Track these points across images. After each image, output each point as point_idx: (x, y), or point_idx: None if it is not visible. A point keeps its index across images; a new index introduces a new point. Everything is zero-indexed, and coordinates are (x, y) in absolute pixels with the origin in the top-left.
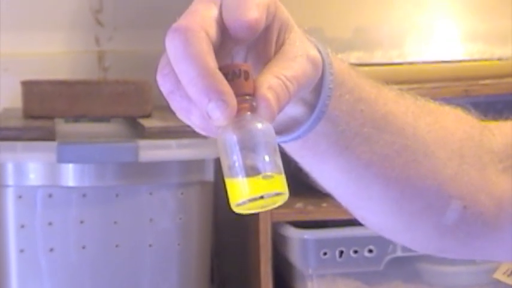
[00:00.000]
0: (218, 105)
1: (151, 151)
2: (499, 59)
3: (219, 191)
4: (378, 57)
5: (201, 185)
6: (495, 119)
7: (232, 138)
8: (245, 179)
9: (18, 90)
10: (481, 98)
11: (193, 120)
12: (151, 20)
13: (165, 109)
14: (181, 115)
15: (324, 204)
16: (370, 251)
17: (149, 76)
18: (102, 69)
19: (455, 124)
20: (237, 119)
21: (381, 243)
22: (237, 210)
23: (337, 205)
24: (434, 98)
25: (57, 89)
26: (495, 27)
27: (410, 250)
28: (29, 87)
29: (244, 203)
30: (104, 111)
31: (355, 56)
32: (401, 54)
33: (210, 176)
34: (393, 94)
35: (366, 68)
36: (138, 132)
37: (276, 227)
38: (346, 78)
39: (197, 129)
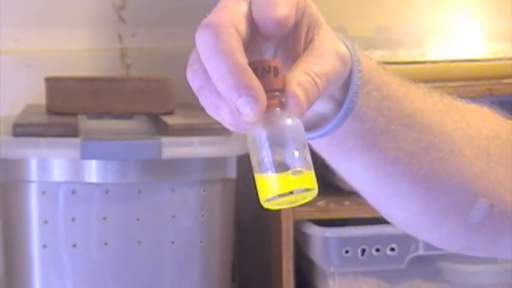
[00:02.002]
0: (248, 101)
1: (174, 148)
2: None
3: (241, 189)
4: (400, 55)
5: (223, 182)
6: None
7: (261, 134)
8: (275, 175)
9: (41, 86)
10: (505, 97)
11: (222, 116)
12: (174, 17)
13: (188, 106)
14: (210, 111)
15: (346, 203)
16: (392, 249)
17: (172, 73)
18: (124, 66)
19: (482, 122)
20: (267, 115)
21: (403, 241)
22: (267, 206)
23: (359, 203)
24: (458, 97)
25: (80, 86)
26: None
27: (432, 249)
28: (53, 84)
29: (273, 198)
30: (127, 108)
31: (378, 55)
32: (424, 53)
33: (232, 173)
34: (420, 92)
35: (389, 67)
36: (161, 129)
37: (298, 225)
38: (373, 75)
39: (226, 125)
